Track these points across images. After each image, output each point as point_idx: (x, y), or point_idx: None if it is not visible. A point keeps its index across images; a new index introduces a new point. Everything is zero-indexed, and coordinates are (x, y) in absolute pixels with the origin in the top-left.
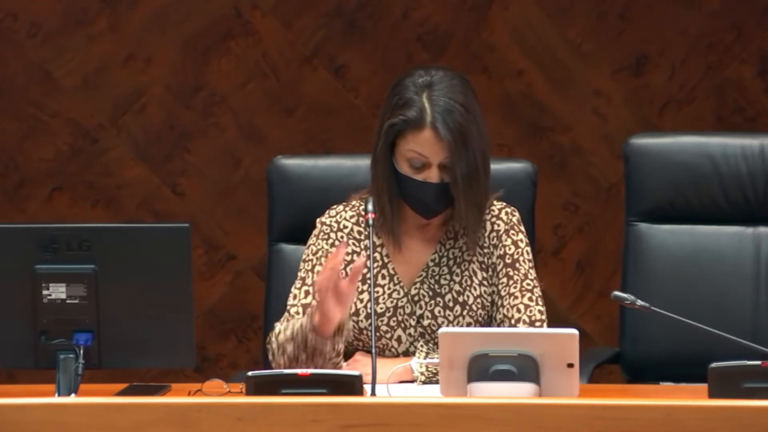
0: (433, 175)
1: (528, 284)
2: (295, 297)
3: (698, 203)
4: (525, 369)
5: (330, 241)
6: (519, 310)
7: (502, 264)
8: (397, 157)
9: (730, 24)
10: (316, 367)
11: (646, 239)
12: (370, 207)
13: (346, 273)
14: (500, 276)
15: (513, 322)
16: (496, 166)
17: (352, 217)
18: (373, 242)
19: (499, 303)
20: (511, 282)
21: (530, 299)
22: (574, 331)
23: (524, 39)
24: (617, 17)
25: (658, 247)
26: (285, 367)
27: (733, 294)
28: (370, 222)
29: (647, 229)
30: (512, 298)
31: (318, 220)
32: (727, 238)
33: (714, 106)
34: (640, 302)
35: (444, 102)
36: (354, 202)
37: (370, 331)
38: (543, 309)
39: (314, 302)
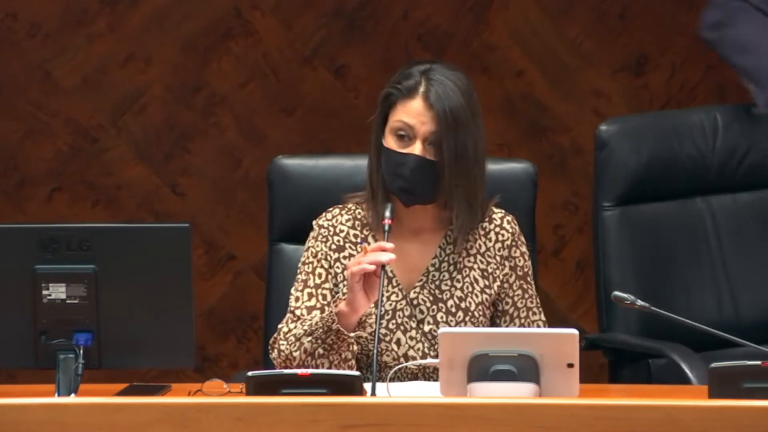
0: (416, 149)
1: (537, 297)
2: (297, 299)
3: (659, 182)
4: (525, 369)
5: (328, 243)
6: (538, 326)
7: (514, 276)
8: (386, 133)
9: None
10: (330, 365)
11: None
12: (387, 213)
13: (344, 277)
14: (514, 288)
15: None
16: (496, 166)
17: (348, 220)
18: (369, 243)
19: (515, 314)
20: (526, 296)
21: (541, 312)
22: (574, 331)
23: (524, 39)
24: (617, 17)
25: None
26: (300, 362)
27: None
28: (386, 228)
29: (616, 213)
30: (531, 313)
31: (314, 222)
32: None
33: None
34: (640, 302)
35: (440, 79)
36: (350, 205)
37: (371, 333)
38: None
39: (341, 295)
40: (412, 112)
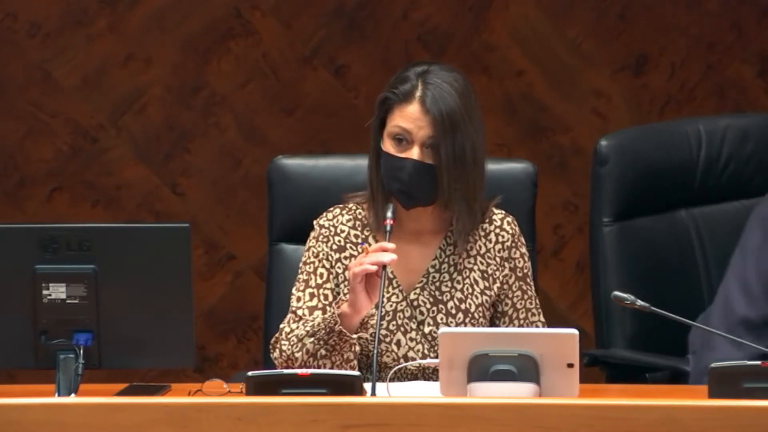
0: (413, 154)
1: (536, 299)
2: (299, 299)
3: (655, 195)
4: (525, 369)
5: (329, 243)
6: (538, 327)
7: (514, 277)
8: (384, 138)
9: (730, 24)
10: (332, 366)
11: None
12: (389, 214)
13: (345, 277)
14: (514, 289)
15: None
16: (496, 166)
17: (348, 220)
18: (370, 243)
19: (515, 315)
20: (525, 297)
21: (540, 313)
22: (574, 331)
23: (524, 39)
24: (617, 17)
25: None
26: (302, 363)
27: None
28: (388, 228)
29: (615, 228)
30: (531, 314)
31: (315, 222)
32: (667, 224)
33: (714, 106)
34: (640, 302)
35: (437, 83)
36: (350, 205)
37: (372, 333)
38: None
39: (342, 296)
40: (409, 117)
